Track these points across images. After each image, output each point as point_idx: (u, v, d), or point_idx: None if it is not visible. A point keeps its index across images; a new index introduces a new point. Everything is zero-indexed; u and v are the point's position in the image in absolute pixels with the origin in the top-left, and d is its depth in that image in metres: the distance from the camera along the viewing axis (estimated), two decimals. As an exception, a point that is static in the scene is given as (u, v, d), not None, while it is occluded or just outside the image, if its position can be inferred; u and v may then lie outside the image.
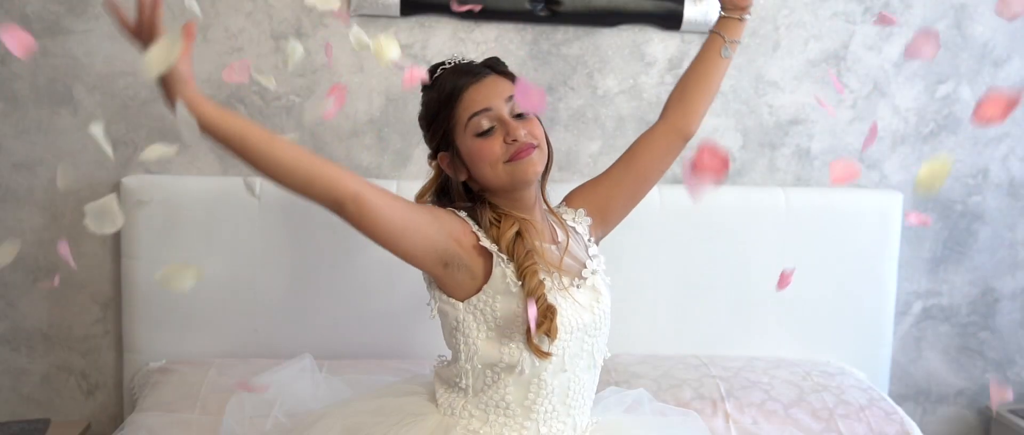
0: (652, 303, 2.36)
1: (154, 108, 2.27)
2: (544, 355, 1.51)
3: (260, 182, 2.25)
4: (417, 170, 2.34)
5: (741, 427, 2.02)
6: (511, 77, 1.59)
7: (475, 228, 1.55)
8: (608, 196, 1.77)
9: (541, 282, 1.51)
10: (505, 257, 1.53)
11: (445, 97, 1.56)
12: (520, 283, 1.51)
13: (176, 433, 1.89)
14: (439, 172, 1.63)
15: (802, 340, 2.41)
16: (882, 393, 2.23)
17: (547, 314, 1.49)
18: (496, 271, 1.52)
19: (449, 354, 1.64)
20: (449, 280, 1.55)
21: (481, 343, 1.53)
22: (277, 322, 2.27)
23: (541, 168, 1.57)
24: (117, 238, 2.29)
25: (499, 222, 1.56)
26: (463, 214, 1.58)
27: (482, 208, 1.58)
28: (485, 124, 1.53)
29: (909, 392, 2.60)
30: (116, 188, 2.28)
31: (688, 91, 1.77)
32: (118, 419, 2.37)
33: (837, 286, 2.40)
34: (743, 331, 2.40)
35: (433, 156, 1.63)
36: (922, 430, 2.07)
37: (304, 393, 1.97)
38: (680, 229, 2.35)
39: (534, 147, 1.54)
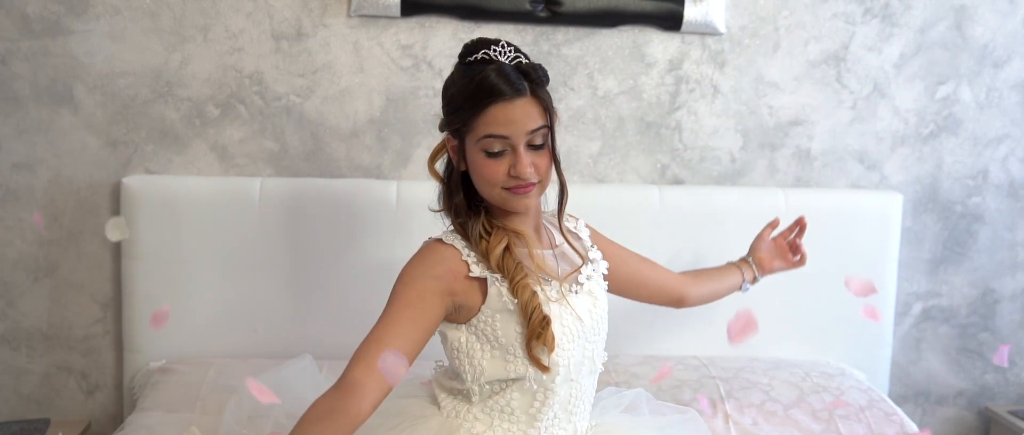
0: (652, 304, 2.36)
1: (154, 108, 2.27)
2: (544, 368, 1.50)
3: (260, 187, 2.26)
4: (417, 170, 2.34)
5: (741, 428, 2.02)
6: (544, 102, 1.51)
7: (465, 254, 1.53)
8: (607, 254, 1.76)
9: (534, 294, 1.50)
10: (499, 276, 1.51)
11: (473, 95, 1.48)
12: (515, 299, 1.50)
13: (176, 433, 1.89)
14: (445, 146, 1.60)
15: (802, 341, 2.41)
16: (882, 394, 2.23)
17: (542, 325, 1.49)
18: (492, 290, 1.51)
19: (446, 360, 1.64)
20: (452, 316, 1.55)
21: (486, 363, 1.53)
22: (277, 322, 2.27)
23: (535, 202, 1.55)
24: (117, 238, 2.30)
25: (489, 235, 1.53)
26: (452, 236, 1.55)
27: (475, 218, 1.55)
28: (497, 147, 1.48)
29: (909, 393, 2.60)
30: (116, 188, 2.28)
31: (703, 284, 1.94)
32: (118, 419, 2.37)
33: (837, 287, 2.39)
34: (743, 332, 2.40)
35: (444, 129, 1.59)
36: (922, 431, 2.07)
37: (304, 393, 1.97)
38: (680, 229, 2.35)
39: (534, 185, 1.51)
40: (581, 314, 1.56)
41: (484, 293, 1.52)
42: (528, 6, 2.27)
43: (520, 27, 2.32)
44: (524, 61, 1.51)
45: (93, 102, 2.26)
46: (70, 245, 2.31)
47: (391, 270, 2.23)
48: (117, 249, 2.30)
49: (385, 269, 2.26)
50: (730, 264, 2.01)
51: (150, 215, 2.22)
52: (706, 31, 2.34)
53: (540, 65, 1.53)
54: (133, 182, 2.23)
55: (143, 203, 2.22)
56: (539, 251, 1.57)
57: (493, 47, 1.50)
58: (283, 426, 1.83)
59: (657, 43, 2.37)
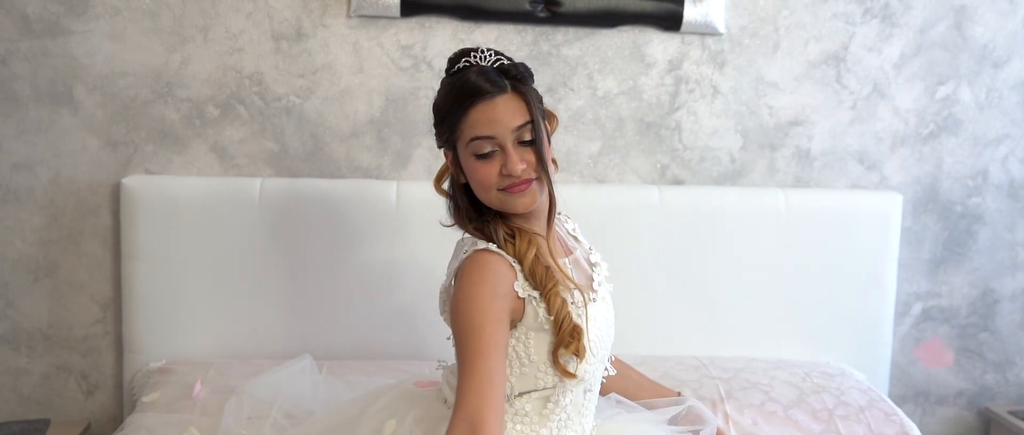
0: (652, 304, 2.36)
1: (154, 108, 2.27)
2: (571, 376, 1.50)
3: (260, 187, 2.26)
4: (417, 170, 2.34)
5: (741, 428, 2.01)
6: (526, 97, 1.49)
7: (513, 262, 1.49)
8: None
9: (565, 302, 1.48)
10: (537, 295, 1.49)
11: (456, 100, 1.47)
12: (550, 317, 1.48)
13: (176, 433, 1.89)
14: (448, 167, 1.59)
15: (802, 341, 2.41)
16: (882, 394, 2.23)
17: (574, 334, 1.47)
18: (529, 309, 1.49)
19: (448, 359, 1.63)
20: None
21: (515, 380, 1.52)
22: (277, 322, 2.27)
23: (535, 201, 1.51)
24: (117, 238, 2.30)
25: (513, 238, 1.51)
26: (493, 247, 1.50)
27: (495, 222, 1.53)
28: (486, 148, 1.47)
29: (909, 393, 2.60)
30: (116, 188, 2.28)
31: (627, 374, 1.83)
32: (118, 419, 2.37)
33: (837, 287, 2.40)
34: (743, 332, 2.40)
35: (440, 145, 1.57)
36: (922, 431, 2.07)
37: (304, 393, 1.97)
38: (680, 230, 2.35)
39: (531, 182, 1.49)
40: (601, 323, 1.55)
41: (522, 311, 1.49)
42: (528, 6, 2.28)
43: (520, 27, 2.32)
44: (506, 62, 1.51)
45: (93, 102, 2.26)
46: (70, 245, 2.31)
47: (391, 270, 2.26)
48: (117, 249, 2.30)
49: (385, 269, 2.27)
50: (677, 392, 1.88)
51: (150, 215, 2.22)
52: (706, 31, 2.35)
53: (522, 63, 1.53)
54: (133, 182, 2.23)
55: (143, 203, 2.22)
56: (561, 260, 1.55)
57: (473, 54, 1.51)
58: (283, 426, 1.83)
59: (657, 43, 2.37)
